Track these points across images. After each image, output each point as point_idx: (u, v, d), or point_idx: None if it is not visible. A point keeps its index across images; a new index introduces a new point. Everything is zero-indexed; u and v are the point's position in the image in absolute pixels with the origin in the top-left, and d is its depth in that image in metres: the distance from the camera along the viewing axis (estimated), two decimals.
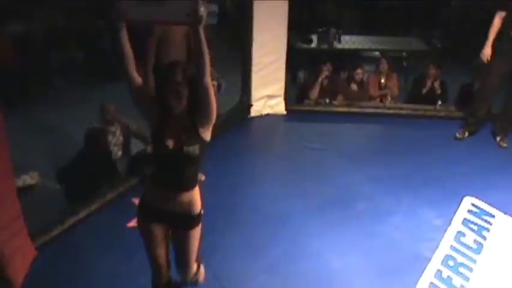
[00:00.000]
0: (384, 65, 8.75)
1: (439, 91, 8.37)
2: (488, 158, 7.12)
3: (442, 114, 8.17)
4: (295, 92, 8.78)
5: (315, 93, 8.29)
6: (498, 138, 7.46)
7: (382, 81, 8.67)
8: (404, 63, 10.30)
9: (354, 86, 8.61)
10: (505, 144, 7.39)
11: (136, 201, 5.72)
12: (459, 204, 6.05)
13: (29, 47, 9.38)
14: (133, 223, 5.50)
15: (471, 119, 7.53)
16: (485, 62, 7.04)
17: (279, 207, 5.91)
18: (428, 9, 12.05)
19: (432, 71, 8.42)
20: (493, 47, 7.01)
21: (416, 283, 4.92)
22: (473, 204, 6.08)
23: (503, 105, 7.47)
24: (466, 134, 7.53)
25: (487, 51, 7.03)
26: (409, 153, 7.09)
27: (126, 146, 6.81)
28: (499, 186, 6.50)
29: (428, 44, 10.81)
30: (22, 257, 4.87)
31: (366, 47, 10.42)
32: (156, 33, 5.48)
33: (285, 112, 7.97)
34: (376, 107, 8.33)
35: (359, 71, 8.66)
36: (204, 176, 6.23)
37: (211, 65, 5.79)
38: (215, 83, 5.78)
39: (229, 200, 5.98)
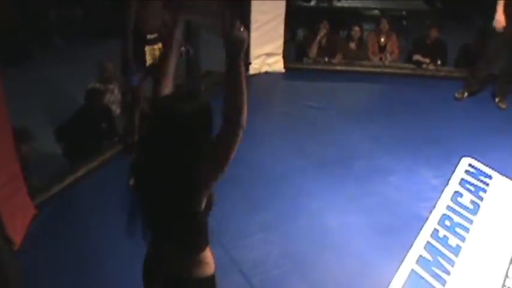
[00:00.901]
0: (385, 25, 8.68)
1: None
2: (486, 119, 7.12)
3: (442, 74, 8.14)
4: (294, 50, 8.72)
5: (313, 51, 8.24)
6: (497, 100, 7.45)
7: (382, 40, 8.61)
8: (404, 23, 10.25)
9: (352, 45, 8.55)
10: (503, 106, 7.38)
11: None
12: (457, 165, 6.07)
13: (27, 3, 9.29)
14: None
15: (472, 80, 7.52)
16: (501, 29, 6.98)
17: (278, 165, 5.93)
18: None
19: (434, 34, 8.34)
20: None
21: (413, 242, 4.96)
22: (470, 165, 6.10)
23: (504, 66, 7.44)
24: (466, 94, 7.52)
25: (500, 19, 6.93)
26: (408, 113, 7.09)
27: (124, 103, 6.80)
28: (497, 147, 6.51)
29: (428, 3, 10.73)
30: (21, 216, 4.89)
31: (366, 5, 10.34)
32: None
33: (283, 70, 7.94)
34: (375, 66, 8.30)
35: (356, 28, 8.59)
36: None
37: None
38: (183, 49, 5.79)
39: None
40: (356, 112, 7.09)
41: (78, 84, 6.89)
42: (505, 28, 6.93)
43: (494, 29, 6.99)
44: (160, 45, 5.56)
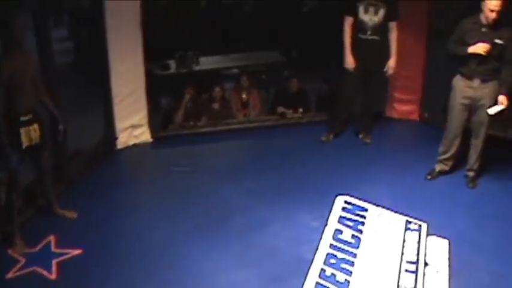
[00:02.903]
0: (245, 81, 8.88)
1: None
2: (354, 155, 7.41)
3: (305, 120, 8.38)
4: (159, 118, 8.71)
5: (179, 117, 8.27)
6: (361, 136, 7.78)
7: (244, 96, 8.78)
8: (264, 77, 10.51)
9: (215, 105, 8.64)
10: (368, 140, 7.72)
11: (12, 251, 5.56)
12: (333, 204, 6.22)
13: None
14: (11, 274, 5.30)
15: (334, 121, 7.81)
16: (352, 69, 7.32)
17: (157, 234, 5.83)
18: (282, 20, 12.37)
19: (294, 84, 8.63)
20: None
21: (302, 285, 5.00)
22: (346, 202, 6.27)
23: (361, 103, 7.78)
24: (331, 136, 7.79)
25: (349, 60, 7.31)
26: (279, 162, 7.23)
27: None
28: (368, 180, 6.80)
29: (285, 55, 11.06)
30: None
31: (225, 65, 10.53)
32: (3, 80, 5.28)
33: (151, 140, 7.87)
34: (240, 123, 8.41)
35: (217, 89, 8.68)
36: (75, 213, 6.11)
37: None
38: (61, 127, 5.75)
39: (105, 235, 5.84)
40: (228, 169, 7.11)
41: None
42: (356, 68, 7.28)
43: (346, 70, 7.34)
44: (35, 126, 5.47)
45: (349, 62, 7.31)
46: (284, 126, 8.28)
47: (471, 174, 6.77)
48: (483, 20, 6.19)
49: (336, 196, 6.34)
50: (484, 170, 6.90)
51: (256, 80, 9.59)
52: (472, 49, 6.18)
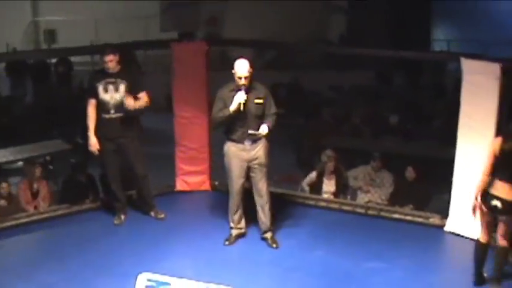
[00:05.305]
0: (34, 172, 8.65)
1: None
2: (151, 233, 7.48)
3: (94, 205, 8.27)
4: None
5: None
6: (152, 213, 7.86)
7: (35, 186, 8.54)
8: (51, 167, 10.28)
9: (2, 202, 8.29)
10: (161, 216, 7.81)
11: None
12: (135, 283, 6.16)
13: None
14: None
15: (118, 204, 7.82)
16: (97, 151, 7.42)
17: None
18: (65, 108, 12.29)
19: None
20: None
21: None
22: (148, 279, 6.20)
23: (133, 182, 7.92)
24: (123, 217, 7.79)
25: (92, 141, 7.41)
26: (76, 251, 7.05)
27: None
28: (169, 255, 6.91)
29: (70, 142, 10.92)
30: None
31: (7, 159, 10.14)
32: None
33: None
34: (30, 216, 8.07)
35: (3, 185, 8.36)
36: None
37: None
38: None
39: None
40: (20, 266, 6.74)
41: None
42: (107, 149, 7.45)
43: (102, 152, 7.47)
44: None
45: (92, 143, 7.41)
46: (77, 214, 8.12)
47: (269, 235, 7.05)
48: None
49: (137, 275, 6.28)
50: (278, 227, 7.24)
51: (43, 170, 9.36)
52: (232, 106, 6.62)
